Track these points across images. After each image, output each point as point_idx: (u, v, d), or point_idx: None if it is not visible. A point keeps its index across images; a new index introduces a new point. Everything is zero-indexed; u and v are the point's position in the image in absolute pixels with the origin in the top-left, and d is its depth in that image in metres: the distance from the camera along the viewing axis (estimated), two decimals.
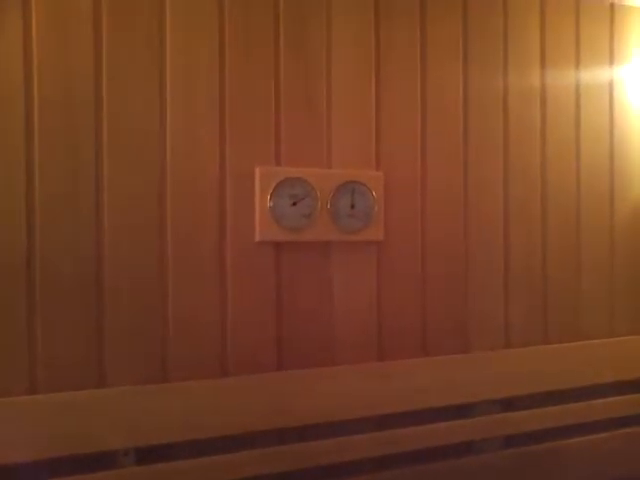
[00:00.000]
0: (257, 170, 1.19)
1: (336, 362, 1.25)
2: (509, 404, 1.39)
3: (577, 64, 1.49)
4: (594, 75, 1.52)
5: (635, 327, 1.55)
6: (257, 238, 1.19)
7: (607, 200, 1.54)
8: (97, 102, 1.07)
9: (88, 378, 1.07)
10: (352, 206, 1.26)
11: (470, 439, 1.33)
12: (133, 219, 1.10)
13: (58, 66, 1.05)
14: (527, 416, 1.39)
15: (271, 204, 1.19)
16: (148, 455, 1.09)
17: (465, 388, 1.34)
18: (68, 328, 1.06)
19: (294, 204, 1.21)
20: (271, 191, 1.19)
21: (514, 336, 1.42)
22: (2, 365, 1.02)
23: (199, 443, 1.12)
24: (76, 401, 1.05)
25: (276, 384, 1.20)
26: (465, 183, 1.38)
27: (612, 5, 1.53)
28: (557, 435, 1.42)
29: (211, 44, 1.15)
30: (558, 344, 1.46)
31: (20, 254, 1.03)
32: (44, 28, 1.04)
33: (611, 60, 1.54)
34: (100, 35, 1.07)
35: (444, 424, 1.31)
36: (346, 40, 1.26)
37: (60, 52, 1.05)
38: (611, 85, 1.54)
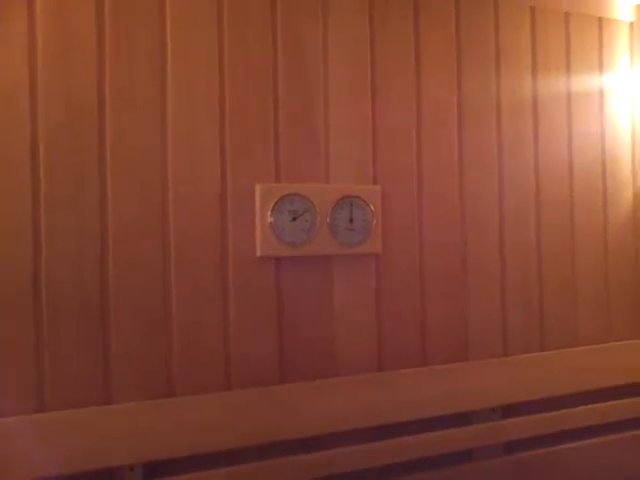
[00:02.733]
0: (257, 187, 1.21)
1: (337, 373, 1.27)
2: (508, 411, 1.41)
3: (568, 73, 1.53)
4: (585, 84, 1.55)
5: (631, 331, 1.58)
6: (258, 253, 1.21)
7: (600, 206, 1.57)
8: (100, 124, 1.10)
9: (94, 395, 1.09)
10: (351, 220, 1.28)
11: (470, 447, 1.35)
12: (137, 238, 1.12)
13: (63, 90, 1.07)
14: (526, 422, 1.42)
15: (271, 220, 1.21)
16: (154, 470, 1.11)
17: (464, 396, 1.36)
18: (74, 347, 1.08)
19: (294, 219, 1.23)
20: (271, 207, 1.21)
21: (512, 344, 1.45)
22: (11, 384, 1.03)
23: (204, 457, 1.13)
24: (83, 418, 1.07)
25: (279, 397, 1.21)
26: (461, 194, 1.41)
27: (600, 19, 1.57)
28: (556, 440, 1.45)
29: (210, 65, 1.18)
30: (555, 350, 1.49)
31: (26, 275, 1.05)
32: (49, 53, 1.06)
33: (600, 69, 1.57)
34: (103, 60, 1.10)
35: (444, 432, 1.33)
36: (342, 57, 1.29)
37: (65, 76, 1.07)
38: (601, 93, 1.57)
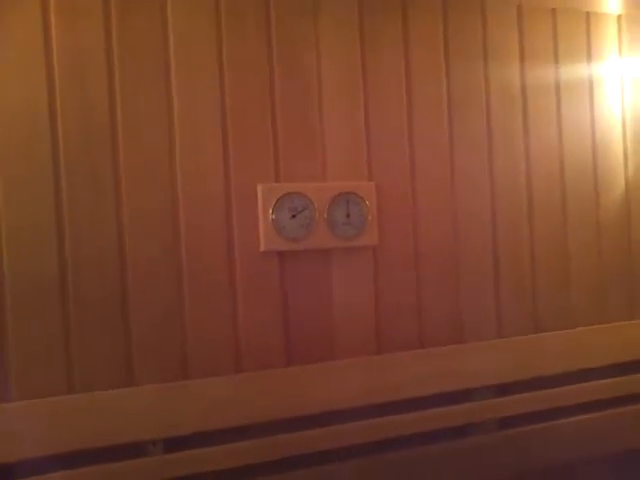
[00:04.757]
0: (259, 187, 1.32)
1: (338, 357, 1.38)
2: (503, 389, 1.51)
3: (557, 66, 1.60)
4: (574, 75, 1.62)
5: (623, 313, 1.65)
6: (262, 248, 1.32)
7: (592, 192, 1.64)
8: (113, 131, 1.22)
9: (118, 378, 1.22)
10: (347, 215, 1.39)
11: (465, 423, 1.45)
12: (151, 234, 1.24)
13: (78, 101, 1.19)
14: (520, 400, 1.51)
15: (273, 217, 1.32)
16: (174, 444, 1.24)
17: (459, 376, 1.46)
18: (99, 335, 1.21)
19: (294, 216, 1.34)
20: (272, 205, 1.32)
21: (506, 326, 1.53)
22: (42, 368, 1.17)
23: (217, 432, 1.26)
24: (108, 399, 1.20)
25: (285, 378, 1.33)
26: (452, 185, 1.50)
27: (587, 13, 1.63)
28: (549, 417, 1.53)
29: (211, 73, 1.29)
30: (549, 332, 1.57)
31: (53, 267, 1.18)
32: (65, 70, 1.19)
33: (589, 61, 1.63)
34: (113, 72, 1.22)
35: (441, 409, 1.43)
36: (334, 61, 1.39)
37: (79, 87, 1.19)
38: (591, 84, 1.63)
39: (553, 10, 1.59)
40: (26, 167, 1.16)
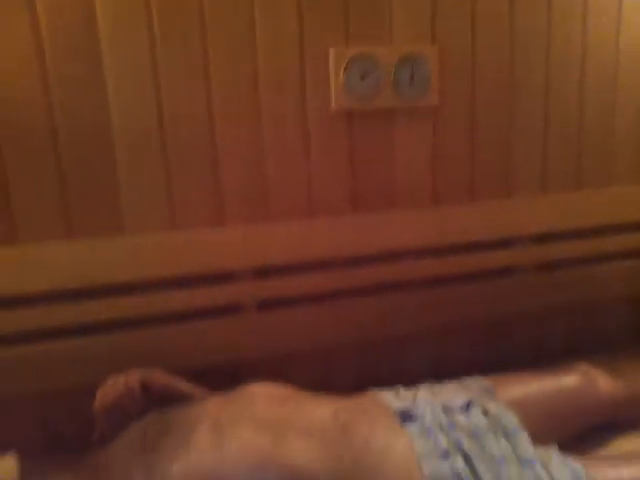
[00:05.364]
0: (331, 50, 1.44)
1: (398, 207, 1.57)
2: (546, 238, 1.68)
3: None
4: None
5: None
6: (333, 107, 1.47)
7: None
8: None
9: (213, 218, 1.43)
10: (412, 77, 1.51)
11: (510, 265, 1.66)
12: (236, 98, 1.39)
13: None
14: (561, 247, 1.69)
15: (343, 78, 1.46)
16: (263, 274, 1.47)
17: (506, 226, 1.63)
18: (195, 182, 1.40)
19: (362, 78, 1.47)
20: (343, 68, 1.45)
21: (551, 182, 1.68)
22: (150, 207, 1.39)
23: (299, 265, 1.49)
24: (204, 235, 1.42)
25: (351, 224, 1.53)
26: (511, 51, 1.57)
27: None
28: (587, 263, 1.73)
29: None
30: (591, 188, 1.71)
31: (152, 121, 1.35)
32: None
33: None
34: None
35: (488, 253, 1.63)
36: None
37: None
38: None
39: None
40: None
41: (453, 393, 1.24)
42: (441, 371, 1.38)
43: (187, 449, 0.95)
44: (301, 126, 1.46)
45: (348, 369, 1.61)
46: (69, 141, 1.32)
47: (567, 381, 1.36)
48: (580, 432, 1.34)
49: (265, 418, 1.02)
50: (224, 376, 1.28)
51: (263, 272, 1.48)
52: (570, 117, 1.66)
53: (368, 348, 1.62)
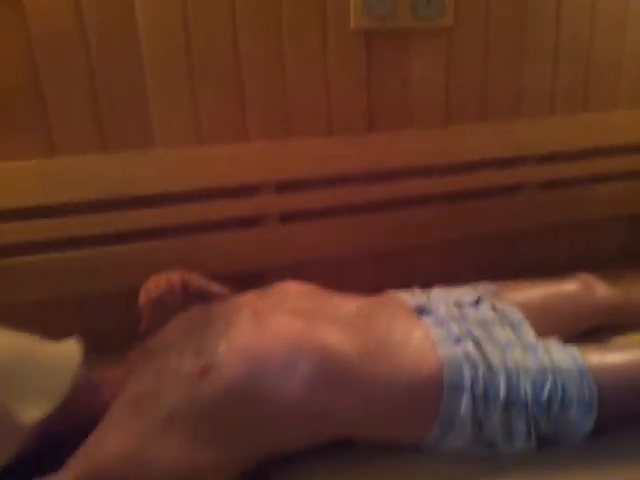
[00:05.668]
0: None
1: (412, 126, 1.64)
2: (550, 158, 1.77)
3: None
4: None
5: None
6: (352, 26, 1.51)
7: None
8: None
9: (235, 134, 1.49)
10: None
11: (516, 183, 1.75)
12: (257, 19, 1.44)
13: None
14: (562, 167, 1.78)
15: None
16: (283, 187, 1.56)
17: (514, 146, 1.71)
18: (217, 96, 1.46)
19: None
20: None
21: (559, 104, 1.74)
22: (177, 120, 1.45)
23: (318, 180, 1.58)
24: (229, 150, 1.49)
25: (367, 141, 1.60)
26: None
27: None
28: (586, 182, 1.82)
29: None
30: (595, 111, 1.78)
31: (179, 37, 1.40)
32: None
33: None
34: None
35: (496, 172, 1.72)
36: None
37: None
38: None
39: None
40: None
41: (464, 292, 1.36)
42: (450, 282, 1.48)
43: (230, 330, 1.07)
44: (321, 44, 1.51)
45: (363, 278, 1.72)
46: (100, 56, 1.37)
47: (567, 287, 1.47)
48: (578, 334, 1.46)
49: (298, 308, 1.13)
50: (249, 283, 1.38)
51: (285, 186, 1.56)
52: (580, 40, 1.71)
53: (382, 259, 1.73)
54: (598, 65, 1.75)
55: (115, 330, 1.50)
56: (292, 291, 1.21)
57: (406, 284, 1.45)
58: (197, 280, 1.27)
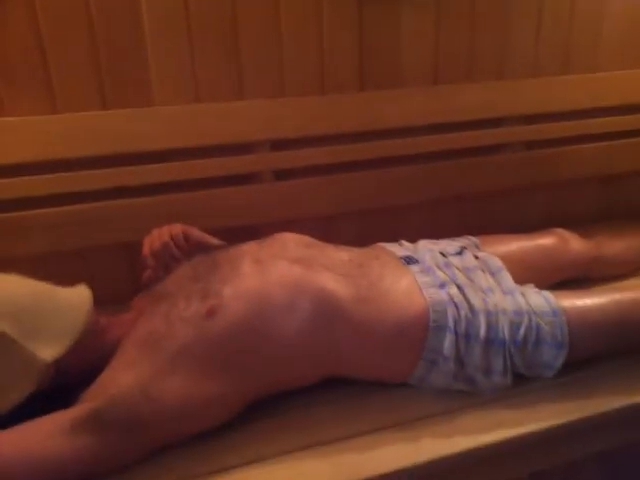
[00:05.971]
0: None
1: (401, 86, 1.70)
2: (532, 119, 1.85)
3: None
4: None
5: None
6: None
7: None
8: None
9: (231, 92, 1.54)
10: None
11: (500, 142, 1.83)
12: None
13: None
14: (544, 127, 1.86)
15: None
16: (279, 146, 1.62)
17: (499, 107, 1.79)
18: (215, 55, 1.50)
19: None
20: None
21: (541, 66, 1.81)
22: (177, 80, 1.50)
23: (311, 138, 1.64)
24: (225, 108, 1.55)
25: (358, 101, 1.66)
26: None
27: None
28: (568, 142, 1.91)
29: None
30: (578, 74, 1.85)
31: (178, 4, 1.44)
32: None
33: None
34: None
35: (481, 131, 1.79)
36: None
37: None
38: None
39: None
40: None
41: (448, 243, 1.45)
42: (434, 237, 1.57)
43: (235, 276, 1.15)
44: (315, 4, 1.55)
45: (351, 233, 1.80)
46: (101, 15, 1.40)
47: (544, 241, 1.57)
48: (553, 286, 1.56)
49: (296, 256, 1.22)
50: (243, 238, 1.45)
51: (279, 144, 1.63)
52: (563, 3, 1.77)
53: (369, 215, 1.81)
54: (580, 28, 1.81)
55: (115, 283, 1.58)
56: (290, 241, 1.29)
57: (392, 240, 1.53)
58: (197, 232, 1.35)
